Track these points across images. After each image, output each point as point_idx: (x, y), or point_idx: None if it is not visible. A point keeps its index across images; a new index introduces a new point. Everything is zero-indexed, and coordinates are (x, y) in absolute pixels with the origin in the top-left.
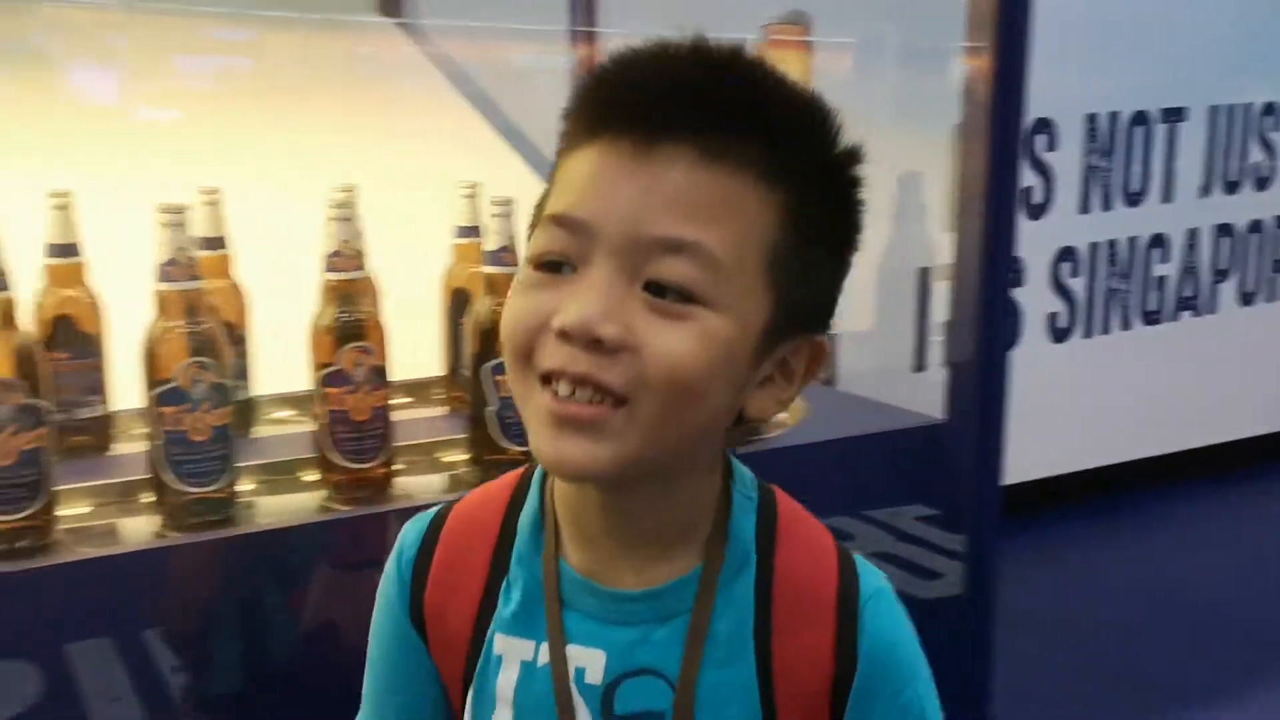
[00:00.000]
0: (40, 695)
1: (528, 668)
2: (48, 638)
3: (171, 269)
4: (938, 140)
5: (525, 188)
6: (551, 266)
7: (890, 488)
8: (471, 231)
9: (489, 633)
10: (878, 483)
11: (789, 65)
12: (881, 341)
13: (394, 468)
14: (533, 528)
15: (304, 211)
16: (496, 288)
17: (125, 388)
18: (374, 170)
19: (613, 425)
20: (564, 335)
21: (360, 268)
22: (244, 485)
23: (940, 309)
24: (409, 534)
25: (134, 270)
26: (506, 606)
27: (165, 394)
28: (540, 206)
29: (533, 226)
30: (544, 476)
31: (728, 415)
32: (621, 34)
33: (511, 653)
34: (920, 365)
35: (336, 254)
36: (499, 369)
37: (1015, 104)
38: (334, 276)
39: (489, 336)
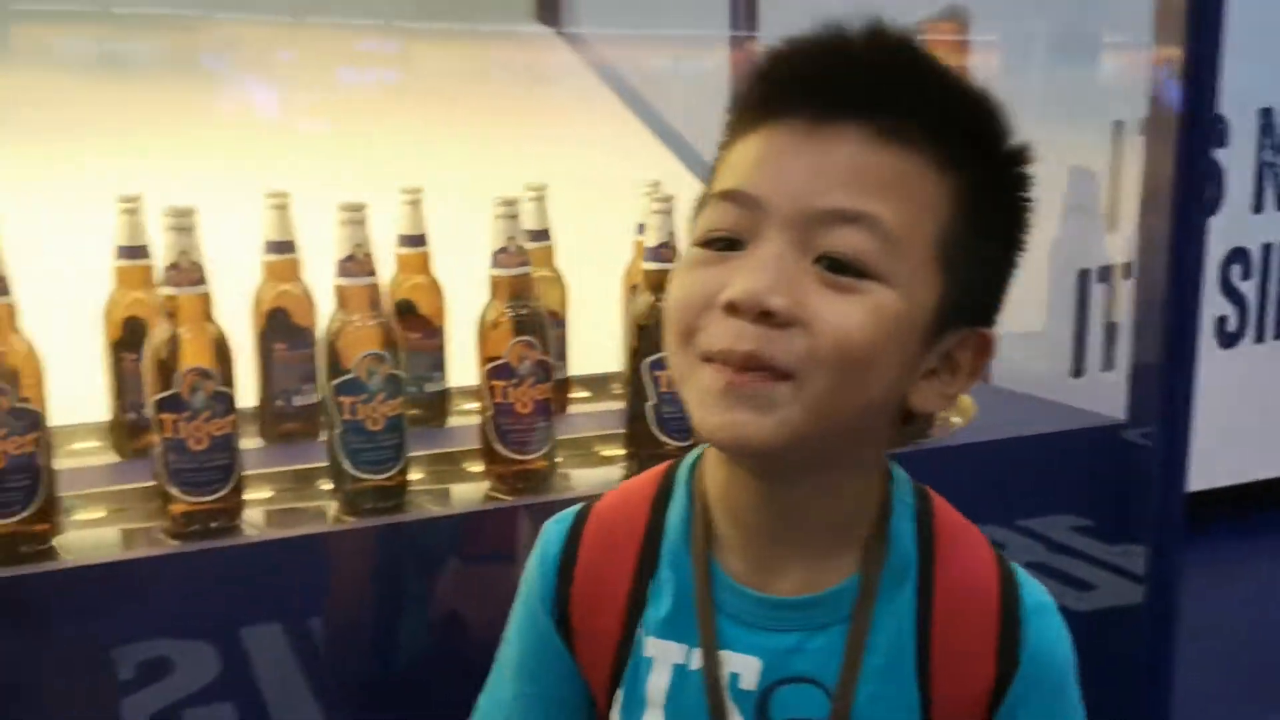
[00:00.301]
0: (219, 672)
1: (680, 671)
2: (230, 616)
3: (350, 265)
4: (1093, 137)
5: (685, 188)
6: (719, 244)
7: (1065, 490)
8: None
9: (639, 634)
10: (1053, 484)
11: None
12: (1042, 344)
13: (556, 460)
14: (683, 527)
15: (475, 212)
16: (655, 284)
17: None
18: (545, 173)
19: (779, 397)
20: (731, 308)
21: (525, 264)
22: (415, 474)
23: (1099, 312)
24: (550, 534)
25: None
26: (658, 609)
27: (343, 384)
28: (704, 195)
29: (697, 213)
30: (692, 474)
31: (892, 403)
32: (780, 38)
33: (663, 656)
34: (1078, 370)
35: (503, 250)
36: (658, 364)
37: (1207, 101)
38: (499, 272)
39: (647, 332)
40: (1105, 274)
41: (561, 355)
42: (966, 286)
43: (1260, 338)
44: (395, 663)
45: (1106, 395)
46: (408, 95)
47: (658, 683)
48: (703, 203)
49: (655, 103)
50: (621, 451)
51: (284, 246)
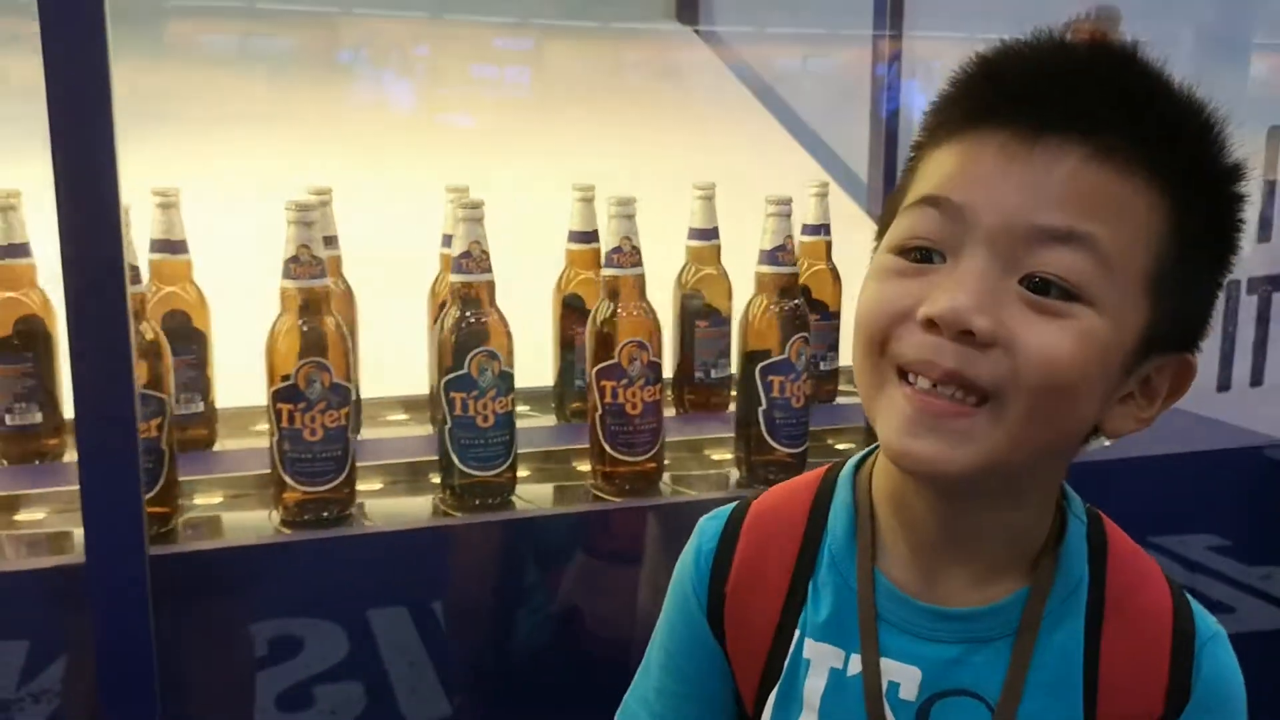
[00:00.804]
0: (340, 654)
1: (836, 676)
2: (344, 601)
3: (467, 261)
4: (1247, 143)
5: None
6: (916, 254)
7: (1211, 507)
8: (820, 230)
9: (799, 636)
10: (1199, 501)
11: None
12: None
13: (665, 462)
14: (847, 531)
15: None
16: (769, 287)
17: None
18: (681, 171)
19: (976, 426)
20: (930, 325)
21: (638, 264)
22: (523, 471)
23: (1248, 324)
24: (707, 529)
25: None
26: (817, 611)
27: (453, 381)
28: (893, 203)
29: (884, 223)
30: (855, 478)
31: (1086, 428)
32: (925, 37)
33: (820, 659)
34: (1225, 384)
35: (616, 250)
36: (770, 369)
37: None
38: (612, 273)
39: (759, 337)
40: (1256, 285)
41: (725, 353)
42: (1174, 311)
43: None
44: (497, 655)
45: (1255, 410)
46: (544, 91)
47: (814, 685)
48: (893, 207)
49: (793, 102)
50: (730, 456)
51: (472, 257)
